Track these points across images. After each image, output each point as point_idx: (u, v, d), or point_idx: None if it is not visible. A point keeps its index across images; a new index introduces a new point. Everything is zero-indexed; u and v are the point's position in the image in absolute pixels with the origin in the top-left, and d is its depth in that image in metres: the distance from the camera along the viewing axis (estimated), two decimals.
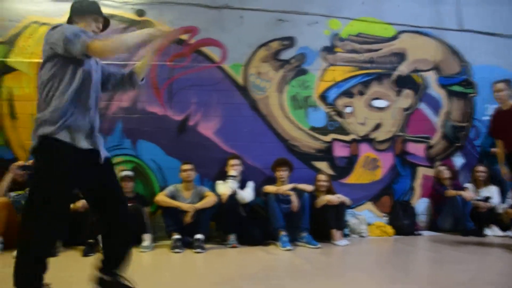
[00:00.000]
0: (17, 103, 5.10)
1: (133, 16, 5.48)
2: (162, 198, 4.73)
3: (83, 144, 2.35)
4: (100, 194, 2.49)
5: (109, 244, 2.57)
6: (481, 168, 5.89)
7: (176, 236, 4.48)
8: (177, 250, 4.36)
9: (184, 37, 5.53)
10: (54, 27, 2.35)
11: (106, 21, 2.67)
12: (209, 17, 5.68)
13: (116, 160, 5.19)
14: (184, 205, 4.64)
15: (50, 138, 2.24)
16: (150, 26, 5.35)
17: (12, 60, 5.12)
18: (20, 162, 4.65)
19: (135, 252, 4.26)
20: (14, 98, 5.10)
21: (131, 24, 5.45)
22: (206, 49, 5.62)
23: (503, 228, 5.48)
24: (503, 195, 5.76)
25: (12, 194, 4.59)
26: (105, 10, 5.25)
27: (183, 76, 5.50)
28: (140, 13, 5.48)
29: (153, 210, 5.04)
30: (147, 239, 4.50)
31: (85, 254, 4.13)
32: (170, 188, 4.87)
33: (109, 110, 5.30)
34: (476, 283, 3.10)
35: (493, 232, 5.48)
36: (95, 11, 2.58)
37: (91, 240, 4.26)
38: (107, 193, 2.50)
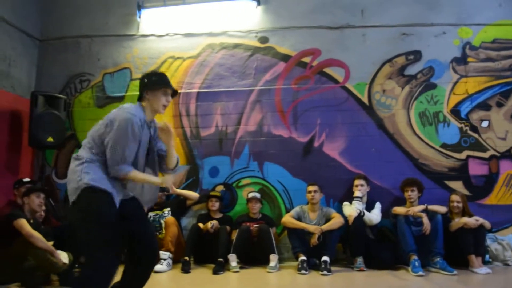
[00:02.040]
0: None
1: (257, 44, 5.72)
2: (288, 219, 4.80)
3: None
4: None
5: (134, 271, 2.65)
6: None
7: (302, 258, 4.51)
8: (303, 271, 4.38)
9: (306, 59, 5.61)
10: (113, 119, 2.54)
11: (174, 93, 2.78)
12: (330, 37, 5.71)
13: (243, 182, 5.47)
14: (310, 227, 4.65)
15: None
16: (273, 51, 5.57)
17: None
18: None
19: (262, 272, 4.42)
20: None
21: (254, 51, 5.73)
22: (329, 70, 5.65)
23: None
24: None
25: (151, 214, 5.04)
26: (231, 40, 5.71)
27: (307, 98, 5.59)
28: (263, 40, 5.70)
29: (280, 231, 5.14)
30: (273, 259, 4.60)
31: (215, 272, 4.35)
32: (296, 209, 4.94)
33: (237, 134, 5.59)
34: None
35: None
36: (164, 84, 2.71)
37: (220, 259, 4.48)
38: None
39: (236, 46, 5.79)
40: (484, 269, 4.42)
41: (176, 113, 5.73)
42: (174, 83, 5.72)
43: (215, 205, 5.12)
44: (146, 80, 2.70)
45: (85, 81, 5.98)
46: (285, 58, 5.68)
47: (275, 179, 5.46)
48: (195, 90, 5.74)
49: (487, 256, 4.88)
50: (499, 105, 5.49)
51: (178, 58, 5.82)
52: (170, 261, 4.61)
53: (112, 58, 5.98)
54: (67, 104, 5.76)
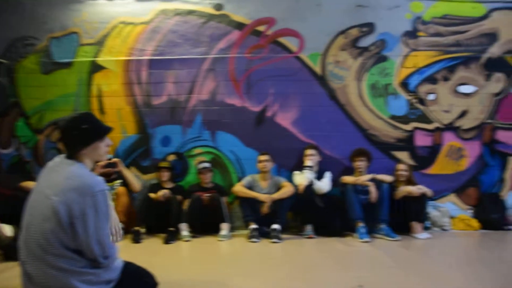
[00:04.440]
0: (106, 99, 5.54)
1: (211, 11, 5.57)
2: (239, 188, 4.83)
3: None
4: None
5: None
6: None
7: (253, 226, 4.58)
8: (254, 239, 4.45)
9: (261, 28, 5.53)
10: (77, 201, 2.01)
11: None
12: (286, 6, 5.62)
13: (195, 151, 5.42)
14: (261, 196, 4.70)
15: None
16: (228, 19, 5.46)
17: (101, 59, 5.50)
18: (102, 162, 4.95)
19: (213, 241, 4.46)
20: (103, 95, 5.50)
21: (209, 19, 5.57)
22: (283, 40, 5.59)
23: None
24: None
25: None
26: (185, 7, 5.53)
27: (261, 68, 5.53)
28: (218, 7, 5.56)
29: (231, 200, 5.17)
30: (225, 228, 4.65)
31: (167, 241, 4.35)
32: (247, 179, 4.98)
33: (189, 103, 5.50)
34: None
35: None
36: (102, 131, 2.26)
37: (172, 229, 4.48)
38: None
39: (190, 12, 5.60)
40: (424, 235, 4.68)
41: (127, 81, 5.53)
42: (125, 49, 5.53)
43: (165, 175, 5.06)
44: (76, 134, 2.14)
45: (29, 45, 5.64)
46: (240, 26, 5.57)
47: (228, 149, 5.45)
48: (147, 57, 5.54)
49: (427, 223, 5.14)
50: (445, 79, 5.66)
51: (130, 23, 5.58)
52: (121, 231, 4.54)
53: (59, 22, 5.64)
54: (10, 69, 5.45)
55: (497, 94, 5.66)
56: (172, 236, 4.46)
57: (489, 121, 5.63)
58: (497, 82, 5.67)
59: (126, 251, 3.97)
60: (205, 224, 4.78)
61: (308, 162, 5.00)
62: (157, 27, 5.58)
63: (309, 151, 5.09)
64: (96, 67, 5.53)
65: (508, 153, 5.63)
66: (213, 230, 4.70)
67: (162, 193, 4.73)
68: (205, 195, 4.83)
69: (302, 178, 4.87)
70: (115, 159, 4.33)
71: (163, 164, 5.17)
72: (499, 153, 5.63)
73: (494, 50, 5.70)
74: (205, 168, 5.08)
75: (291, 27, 5.58)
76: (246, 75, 5.51)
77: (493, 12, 5.75)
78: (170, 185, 5.08)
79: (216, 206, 4.73)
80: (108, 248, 2.11)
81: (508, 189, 5.58)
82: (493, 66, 5.67)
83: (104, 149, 2.24)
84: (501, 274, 3.23)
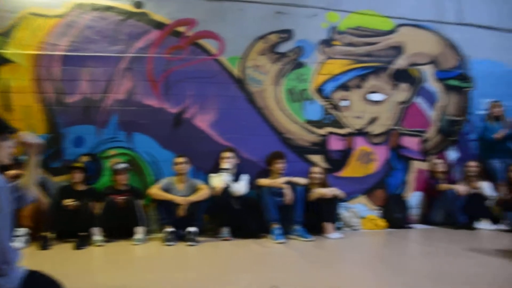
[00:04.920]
0: (13, 95, 5.10)
1: (131, 8, 5.42)
2: (155, 191, 4.75)
3: None
4: None
5: None
6: (472, 163, 5.87)
7: (169, 229, 4.52)
8: (169, 242, 4.40)
9: (181, 29, 5.49)
10: None
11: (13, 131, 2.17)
12: (208, 9, 5.63)
13: (110, 152, 5.24)
14: (177, 198, 4.66)
15: None
16: (147, 18, 5.35)
17: (9, 52, 5.10)
18: None
19: (128, 245, 4.35)
20: (10, 90, 5.08)
21: (128, 16, 5.40)
22: (203, 42, 5.59)
23: (494, 221, 5.49)
24: (495, 189, 5.73)
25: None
26: (102, 2, 5.33)
27: (180, 69, 5.47)
28: (138, 5, 5.41)
29: (147, 202, 5.05)
30: (140, 231, 4.55)
31: (77, 247, 4.16)
32: (164, 181, 4.90)
33: (104, 102, 5.29)
34: (465, 275, 3.15)
35: (484, 225, 5.47)
36: (2, 129, 2.09)
37: (83, 233, 4.30)
38: None
39: (108, 8, 5.37)
40: (336, 234, 4.91)
41: (37, 76, 5.15)
42: (35, 43, 5.17)
43: (78, 176, 4.82)
44: None
45: None
46: (160, 25, 5.46)
47: (144, 150, 5.31)
48: (60, 53, 5.23)
49: (339, 223, 5.40)
50: (357, 87, 5.98)
51: (41, 15, 5.22)
52: (27, 237, 4.30)
53: None
54: None
55: (402, 103, 6.08)
56: (84, 241, 4.27)
57: (396, 127, 6.03)
58: (403, 92, 6.10)
59: (31, 259, 3.73)
60: (120, 227, 4.64)
61: (225, 164, 5.03)
62: (72, 21, 5.28)
63: (226, 154, 5.12)
64: (2, 60, 5.09)
65: (411, 157, 6.08)
66: (128, 234, 4.57)
67: (70, 202, 4.49)
68: (120, 198, 4.69)
69: (219, 181, 4.89)
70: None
71: (76, 164, 4.92)
72: (403, 157, 6.06)
73: (401, 62, 6.13)
74: (121, 169, 4.92)
75: (212, 30, 5.59)
76: (165, 75, 5.42)
77: (400, 27, 6.19)
78: (82, 187, 4.85)
79: (131, 209, 4.60)
80: (8, 253, 1.94)
81: (410, 190, 6.02)
82: (399, 76, 6.11)
83: (7, 150, 2.06)
84: (402, 268, 3.49)
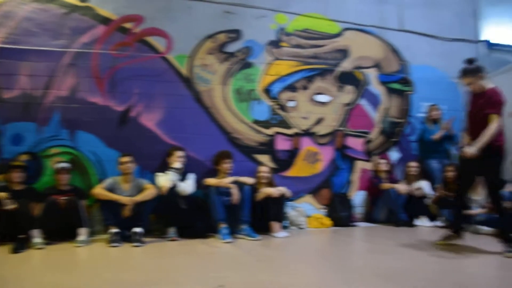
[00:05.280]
0: None
1: (75, 2, 5.24)
2: (100, 190, 4.61)
3: None
4: None
5: None
6: (413, 163, 6.16)
7: (114, 230, 4.41)
8: (114, 244, 4.29)
9: (128, 25, 5.38)
10: None
11: None
12: (156, 6, 5.57)
13: (52, 151, 5.04)
14: (122, 198, 4.56)
15: None
16: (93, 13, 5.21)
17: None
18: None
19: (70, 247, 4.21)
20: None
21: (72, 10, 5.23)
22: (151, 39, 5.51)
23: (431, 218, 5.79)
24: (433, 188, 6.03)
25: None
26: None
27: (126, 66, 5.36)
28: None
29: (91, 203, 4.90)
30: (83, 233, 4.39)
31: (15, 250, 3.95)
32: (108, 181, 4.76)
33: (45, 99, 5.08)
34: (406, 270, 3.29)
35: (422, 222, 5.75)
36: None
37: (22, 236, 4.10)
38: None
39: (51, 0, 5.18)
40: (282, 233, 4.98)
41: None
42: None
43: (17, 176, 4.59)
44: None
45: None
46: (106, 21, 5.33)
47: (88, 149, 5.14)
48: None
49: (286, 222, 5.49)
50: (304, 88, 6.11)
51: None
52: None
53: None
54: None
55: (347, 105, 6.28)
56: (22, 244, 4.04)
57: (341, 128, 6.22)
58: (348, 94, 6.30)
59: None
60: (61, 229, 4.47)
61: (177, 164, 4.98)
62: (9, 12, 5.01)
63: (178, 153, 5.07)
64: None
65: (356, 157, 6.29)
66: (71, 236, 4.41)
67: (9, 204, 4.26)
68: (62, 198, 4.52)
69: (165, 180, 4.84)
70: None
71: (15, 163, 4.69)
72: (348, 157, 6.25)
73: (346, 65, 6.32)
74: (63, 168, 4.74)
75: (159, 27, 5.53)
76: (111, 72, 5.29)
77: (345, 31, 6.39)
78: (20, 187, 4.62)
79: (73, 210, 4.44)
80: None
81: (355, 189, 6.23)
82: (345, 79, 6.31)
83: None
84: (344, 265, 3.62)
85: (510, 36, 7.43)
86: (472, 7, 7.25)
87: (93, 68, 5.22)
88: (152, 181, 4.94)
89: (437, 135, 6.18)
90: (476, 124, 4.01)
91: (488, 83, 4.06)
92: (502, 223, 4.07)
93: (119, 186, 4.74)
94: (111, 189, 4.66)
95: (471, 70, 4.08)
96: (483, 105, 3.95)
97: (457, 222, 4.37)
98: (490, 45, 7.25)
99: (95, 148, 5.17)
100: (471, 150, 3.83)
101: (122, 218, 4.52)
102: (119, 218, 4.52)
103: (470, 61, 4.15)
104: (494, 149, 3.90)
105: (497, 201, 4.11)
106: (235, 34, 5.86)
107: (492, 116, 3.85)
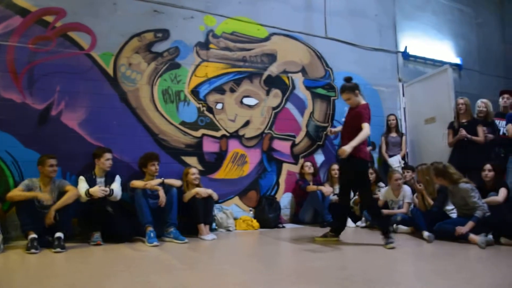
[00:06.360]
0: None
1: None
2: (16, 192, 4.32)
3: None
4: None
5: None
6: (335, 166, 6.48)
7: (33, 235, 4.16)
8: (33, 250, 4.04)
9: (49, 18, 5.15)
10: None
11: None
12: (79, 0, 5.35)
13: None
14: (40, 195, 4.30)
15: None
16: (7, 2, 4.95)
17: None
18: None
19: None
20: None
21: None
22: (74, 35, 5.32)
23: (355, 220, 6.11)
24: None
25: None
26: None
27: (47, 62, 5.12)
28: None
29: (6, 208, 4.61)
30: None
31: None
32: (25, 183, 4.45)
33: None
34: (330, 269, 3.43)
35: (347, 223, 6.03)
36: None
37: None
38: None
39: None
40: (210, 236, 5.02)
41: None
42: None
43: None
44: None
45: None
46: (23, 12, 5.05)
47: (3, 149, 4.81)
48: None
49: (213, 224, 5.53)
50: (232, 90, 6.22)
51: None
52: None
53: None
54: None
55: (274, 108, 6.48)
56: None
57: (268, 131, 6.39)
58: (275, 97, 6.51)
59: None
60: None
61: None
62: None
63: (107, 155, 4.93)
64: None
65: (283, 160, 6.49)
66: None
67: None
68: None
69: (96, 190, 4.67)
70: None
71: None
72: (275, 160, 6.44)
73: (273, 69, 6.53)
74: None
75: (83, 23, 5.36)
76: (28, 68, 5.02)
77: (273, 36, 6.61)
78: None
79: None
80: None
81: (281, 191, 6.42)
82: (272, 82, 6.51)
83: None
84: (271, 265, 3.73)
85: (424, 49, 8.12)
86: (392, 19, 7.81)
87: (8, 62, 4.90)
88: (74, 184, 4.75)
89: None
90: (350, 133, 4.49)
91: (362, 100, 4.62)
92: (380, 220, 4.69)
93: (38, 189, 4.49)
94: (28, 192, 4.41)
95: (349, 87, 4.60)
96: (356, 117, 4.49)
97: (336, 222, 4.92)
98: (407, 56, 7.85)
99: (11, 149, 4.85)
100: (346, 148, 4.28)
101: (41, 223, 4.29)
102: (38, 223, 4.29)
103: (348, 79, 4.69)
104: (359, 160, 4.50)
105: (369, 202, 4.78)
106: (163, 34, 5.84)
107: (364, 124, 4.37)
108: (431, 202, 5.19)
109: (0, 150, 4.81)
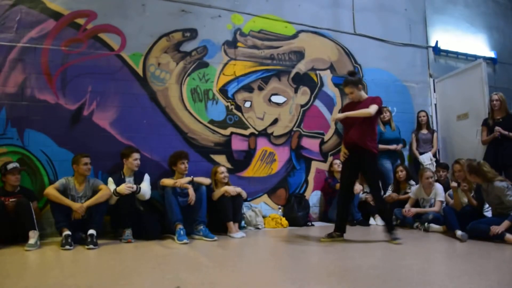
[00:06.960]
0: None
1: None
2: (52, 191, 4.46)
3: None
4: None
5: None
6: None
7: (67, 232, 4.29)
8: (67, 247, 4.17)
9: (80, 21, 5.31)
10: None
11: None
12: (109, 2, 5.53)
13: None
14: (74, 205, 4.43)
15: None
16: (42, 6, 5.10)
17: None
18: None
19: (20, 251, 4.07)
20: None
21: (18, 2, 5.09)
22: (104, 36, 5.47)
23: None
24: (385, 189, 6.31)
25: None
26: None
27: (79, 63, 5.29)
28: None
29: (42, 205, 4.78)
30: (33, 236, 4.23)
31: None
32: (61, 181, 4.60)
33: None
34: (361, 267, 3.41)
35: (376, 221, 5.99)
36: None
37: None
38: None
39: None
40: (239, 234, 5.05)
41: None
42: None
43: None
44: None
45: None
46: (56, 15, 5.23)
47: (38, 149, 5.01)
48: None
49: (242, 222, 5.57)
50: (260, 88, 6.25)
51: None
52: None
53: None
54: None
55: (303, 106, 6.47)
56: None
57: (296, 129, 6.39)
58: (303, 95, 6.49)
59: None
60: (11, 233, 4.32)
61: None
62: None
63: (135, 155, 5.01)
64: None
65: (311, 158, 6.48)
66: (22, 240, 4.26)
67: None
68: (10, 200, 4.39)
69: (123, 188, 4.76)
70: None
71: None
72: (304, 158, 6.43)
73: (301, 67, 6.52)
74: (11, 169, 4.57)
75: (113, 24, 5.50)
76: (62, 69, 5.19)
77: (300, 33, 6.60)
78: None
79: (22, 213, 4.31)
80: None
81: (310, 189, 6.41)
82: (300, 80, 6.49)
83: None
84: (303, 264, 3.72)
85: (455, 43, 7.95)
86: (422, 14, 7.68)
87: (43, 64, 5.10)
88: (105, 182, 4.87)
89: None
90: (352, 128, 4.49)
91: (364, 94, 4.62)
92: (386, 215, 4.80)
93: (73, 187, 4.64)
94: (64, 190, 4.55)
95: (353, 81, 4.55)
96: (366, 106, 4.42)
97: (339, 223, 4.87)
98: (438, 51, 7.70)
99: (46, 148, 5.04)
100: (339, 115, 4.42)
101: (74, 220, 4.43)
102: (72, 220, 4.43)
103: (352, 73, 4.66)
104: (370, 153, 4.47)
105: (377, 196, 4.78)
106: (191, 33, 5.92)
107: (372, 105, 4.35)
108: (475, 202, 5.05)
109: (35, 149, 5.02)
